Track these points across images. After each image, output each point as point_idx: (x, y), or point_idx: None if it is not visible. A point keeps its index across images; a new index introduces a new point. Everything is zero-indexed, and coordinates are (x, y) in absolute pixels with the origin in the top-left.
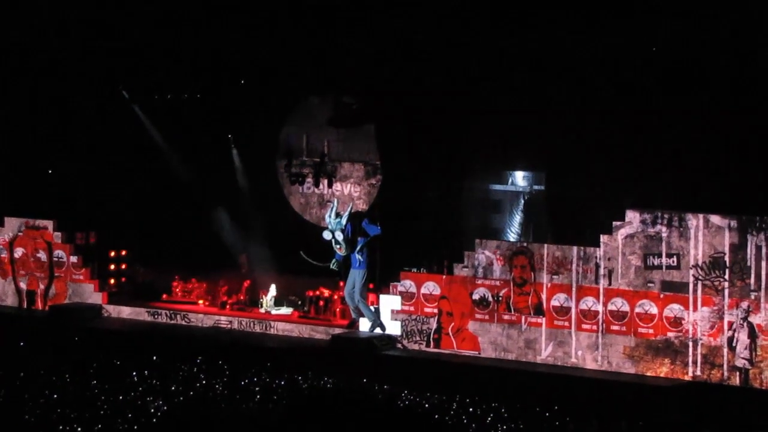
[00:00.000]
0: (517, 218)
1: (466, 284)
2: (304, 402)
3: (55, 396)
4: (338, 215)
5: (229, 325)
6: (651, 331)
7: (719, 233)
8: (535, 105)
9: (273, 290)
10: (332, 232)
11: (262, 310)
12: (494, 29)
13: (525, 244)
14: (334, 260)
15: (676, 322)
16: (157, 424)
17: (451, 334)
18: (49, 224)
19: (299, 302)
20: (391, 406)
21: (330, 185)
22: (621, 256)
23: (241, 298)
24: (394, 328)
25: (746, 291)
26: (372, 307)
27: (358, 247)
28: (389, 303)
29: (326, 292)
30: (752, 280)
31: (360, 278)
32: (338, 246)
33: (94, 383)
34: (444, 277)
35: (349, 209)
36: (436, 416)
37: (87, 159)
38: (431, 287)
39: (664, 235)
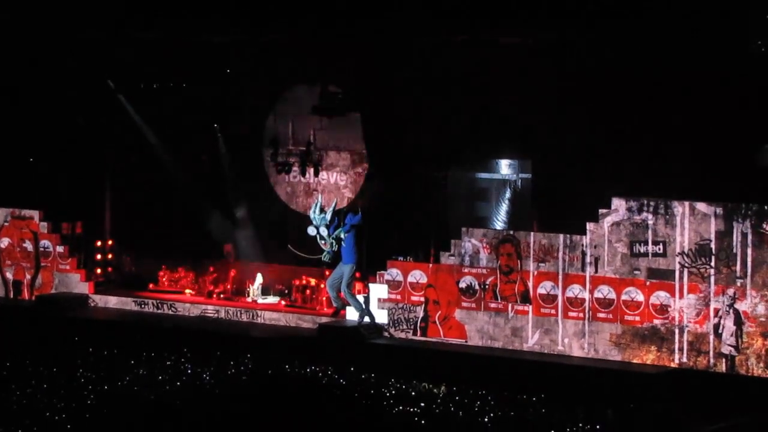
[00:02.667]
0: (504, 206)
1: (453, 272)
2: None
3: (43, 386)
4: (323, 210)
5: (215, 314)
6: (637, 318)
7: (705, 220)
8: (521, 93)
9: (259, 279)
10: (317, 228)
11: (249, 299)
12: (479, 19)
13: (511, 232)
14: (325, 252)
15: (663, 309)
16: (143, 413)
17: (437, 322)
18: (35, 214)
19: (286, 291)
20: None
21: (316, 174)
22: (607, 243)
23: (228, 287)
24: (381, 316)
25: (732, 278)
26: (360, 297)
27: (336, 234)
28: (376, 292)
29: (312, 281)
30: (738, 268)
31: (348, 272)
32: (323, 241)
33: (81, 373)
34: (430, 265)
35: (333, 205)
36: (422, 404)
37: (72, 149)
38: (418, 276)
39: (650, 222)
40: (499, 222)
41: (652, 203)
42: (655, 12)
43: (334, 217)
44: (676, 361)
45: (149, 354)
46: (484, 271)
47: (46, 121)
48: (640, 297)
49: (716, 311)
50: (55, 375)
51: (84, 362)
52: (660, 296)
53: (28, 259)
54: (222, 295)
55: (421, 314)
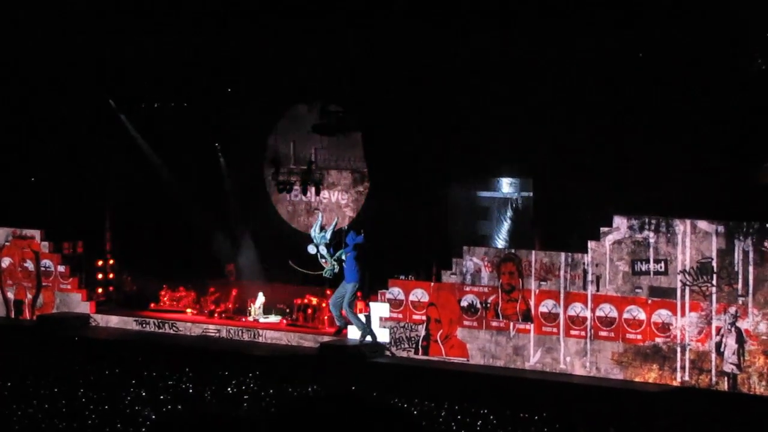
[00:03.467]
0: (505, 225)
1: (455, 291)
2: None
3: (44, 405)
4: (323, 229)
5: (217, 334)
6: (639, 336)
7: (706, 239)
8: (522, 112)
9: (261, 298)
10: (317, 246)
11: (251, 318)
12: (480, 36)
13: (513, 251)
14: (327, 269)
15: (664, 327)
16: None
17: (439, 341)
18: (36, 234)
19: (287, 310)
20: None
21: (318, 193)
22: (609, 262)
23: (229, 306)
24: (382, 335)
25: (734, 296)
26: (362, 316)
27: (338, 255)
28: (378, 310)
29: (314, 300)
30: (740, 285)
31: (350, 290)
32: (323, 260)
33: (82, 392)
34: (432, 284)
35: (333, 224)
36: (424, 423)
37: (74, 168)
38: (419, 294)
39: (651, 240)
40: (501, 240)
41: (653, 221)
42: (656, 31)
43: (334, 236)
44: (678, 379)
45: (150, 373)
46: (486, 289)
47: (47, 141)
48: (642, 315)
49: (718, 329)
50: (56, 394)
51: (85, 382)
52: (662, 314)
53: (30, 279)
54: (223, 315)
55: (422, 333)
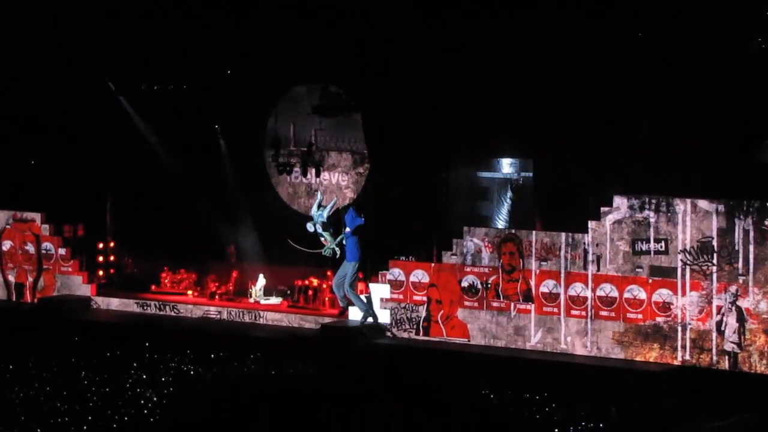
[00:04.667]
0: (505, 205)
1: (455, 272)
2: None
3: (46, 388)
4: (321, 206)
5: (218, 316)
6: (640, 316)
7: (707, 218)
8: (522, 92)
9: (262, 280)
10: (315, 224)
11: (251, 300)
12: (479, 18)
13: (513, 231)
14: (326, 247)
15: (665, 307)
16: (147, 415)
17: (440, 321)
18: (37, 217)
19: (288, 292)
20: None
21: (318, 174)
22: (609, 241)
23: (230, 288)
24: (383, 316)
25: (734, 275)
26: (363, 297)
27: (338, 239)
28: (378, 291)
29: (315, 282)
30: (740, 265)
31: (351, 270)
32: (322, 238)
33: (84, 375)
34: (433, 265)
35: (332, 203)
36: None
37: (74, 150)
38: (420, 275)
39: (651, 220)
40: (501, 221)
41: (653, 201)
42: (656, 10)
43: (333, 215)
44: (679, 358)
45: (152, 355)
46: (487, 270)
47: (46, 124)
48: (643, 295)
49: (719, 308)
50: (58, 377)
51: (86, 364)
52: (662, 294)
53: (31, 262)
54: (224, 297)
55: (423, 314)
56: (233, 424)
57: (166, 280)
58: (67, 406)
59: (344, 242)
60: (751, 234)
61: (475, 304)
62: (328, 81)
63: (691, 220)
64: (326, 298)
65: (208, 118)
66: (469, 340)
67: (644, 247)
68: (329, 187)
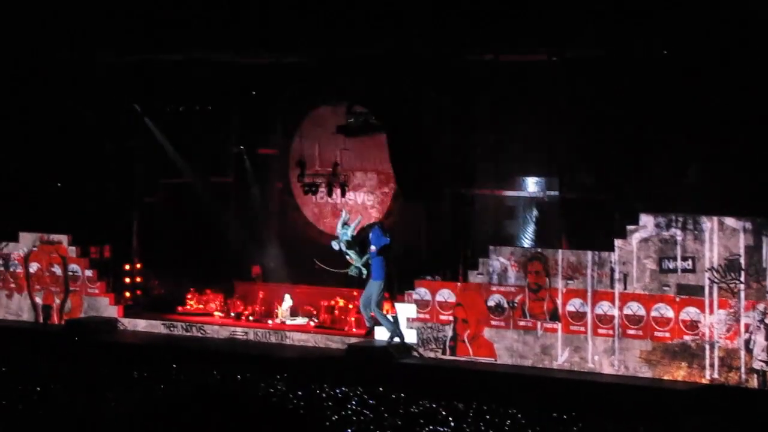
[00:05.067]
0: (531, 224)
1: (481, 291)
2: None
3: (73, 410)
4: (345, 225)
5: (244, 336)
6: (667, 334)
7: (734, 235)
8: (547, 110)
9: (288, 301)
10: (340, 243)
11: (278, 321)
12: (504, 37)
13: (539, 250)
14: (353, 267)
15: (693, 325)
16: None
17: (466, 341)
18: (63, 239)
19: (314, 312)
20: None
21: (343, 194)
22: (636, 260)
23: (256, 308)
24: (410, 336)
25: (762, 293)
26: (390, 317)
27: (364, 259)
28: (404, 311)
29: (341, 302)
30: None
31: (377, 289)
32: (348, 257)
33: (110, 396)
34: (459, 284)
35: (357, 221)
36: (453, 424)
37: (101, 173)
38: (446, 295)
39: (678, 238)
40: (527, 240)
41: (680, 219)
42: (682, 26)
43: (356, 233)
44: (707, 377)
45: (178, 376)
46: (513, 289)
47: (73, 146)
48: (670, 313)
49: (747, 326)
50: (85, 399)
51: (114, 385)
52: (690, 312)
53: (58, 284)
54: (251, 317)
55: (450, 333)
56: None
57: (193, 301)
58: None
59: (370, 261)
60: None
61: (502, 324)
62: (353, 101)
63: (719, 238)
64: (352, 318)
65: (233, 139)
66: (495, 360)
67: (671, 265)
68: (355, 207)
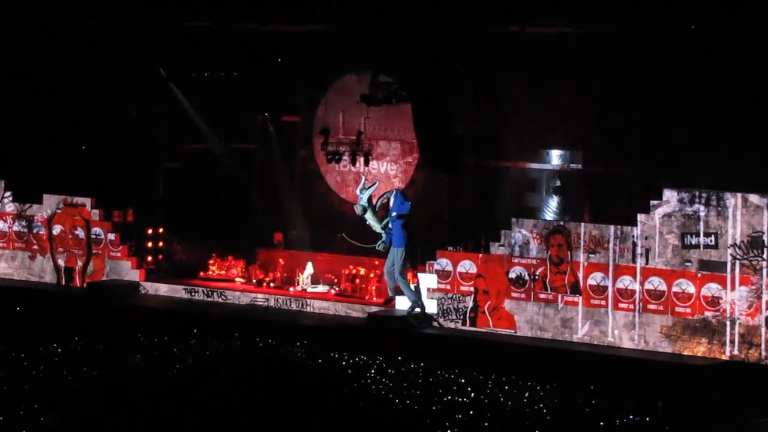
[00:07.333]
0: (554, 197)
1: (503, 263)
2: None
3: (93, 372)
4: (363, 190)
5: (265, 303)
6: (688, 310)
7: (758, 212)
8: (572, 83)
9: (309, 268)
10: (358, 207)
11: (299, 288)
12: (529, 4)
13: (562, 223)
14: (380, 241)
15: (714, 301)
16: (191, 399)
17: (487, 312)
18: (87, 201)
19: (335, 280)
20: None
21: (366, 163)
22: (658, 235)
23: (278, 275)
24: (430, 306)
25: None
26: (412, 286)
27: (384, 222)
28: (425, 281)
29: (362, 271)
30: None
31: (399, 257)
32: (366, 221)
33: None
34: (480, 255)
35: (374, 185)
36: (471, 394)
37: (125, 137)
38: (467, 266)
39: (701, 214)
40: (550, 213)
41: (704, 195)
42: (709, 6)
43: (373, 199)
44: (727, 353)
45: (199, 342)
46: (534, 261)
47: (98, 110)
48: (691, 289)
49: None
50: (106, 362)
51: (135, 349)
52: (711, 288)
53: (80, 247)
54: (272, 284)
55: (470, 304)
56: (278, 411)
57: (214, 267)
58: (114, 390)
59: (390, 225)
60: None
61: (522, 296)
62: (378, 70)
63: (742, 215)
64: (373, 287)
65: (258, 106)
66: (515, 332)
67: (694, 241)
68: (378, 176)
